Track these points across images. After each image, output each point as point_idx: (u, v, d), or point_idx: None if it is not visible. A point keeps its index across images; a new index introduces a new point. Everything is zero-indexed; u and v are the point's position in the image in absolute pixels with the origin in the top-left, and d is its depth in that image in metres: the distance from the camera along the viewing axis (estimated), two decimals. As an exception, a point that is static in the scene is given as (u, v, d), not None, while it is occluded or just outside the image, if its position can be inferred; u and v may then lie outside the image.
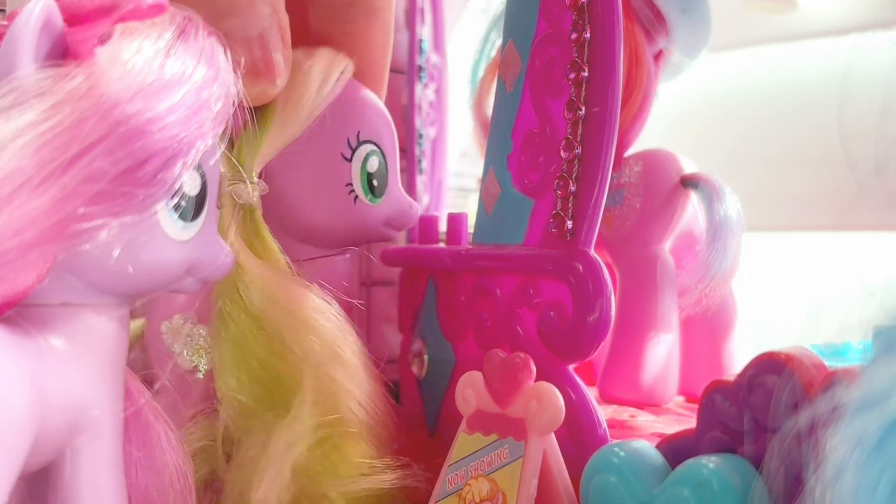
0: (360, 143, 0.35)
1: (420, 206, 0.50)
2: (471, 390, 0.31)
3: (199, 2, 0.27)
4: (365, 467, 0.30)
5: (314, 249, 0.36)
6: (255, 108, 0.32)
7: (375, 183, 0.36)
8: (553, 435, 0.28)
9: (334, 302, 0.32)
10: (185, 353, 0.33)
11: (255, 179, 0.32)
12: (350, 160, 0.35)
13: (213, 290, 0.31)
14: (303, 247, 0.36)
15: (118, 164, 0.21)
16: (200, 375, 0.32)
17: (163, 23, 0.23)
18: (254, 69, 0.30)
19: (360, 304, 0.34)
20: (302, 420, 0.29)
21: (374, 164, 0.36)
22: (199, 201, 0.25)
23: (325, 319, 0.31)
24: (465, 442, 0.30)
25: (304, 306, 0.31)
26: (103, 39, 0.22)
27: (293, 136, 0.33)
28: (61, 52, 0.22)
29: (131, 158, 0.21)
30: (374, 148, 0.36)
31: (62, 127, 0.20)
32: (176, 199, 0.23)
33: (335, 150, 0.35)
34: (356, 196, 0.36)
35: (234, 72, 0.28)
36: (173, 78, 0.22)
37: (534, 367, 0.30)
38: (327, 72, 0.34)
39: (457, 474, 0.30)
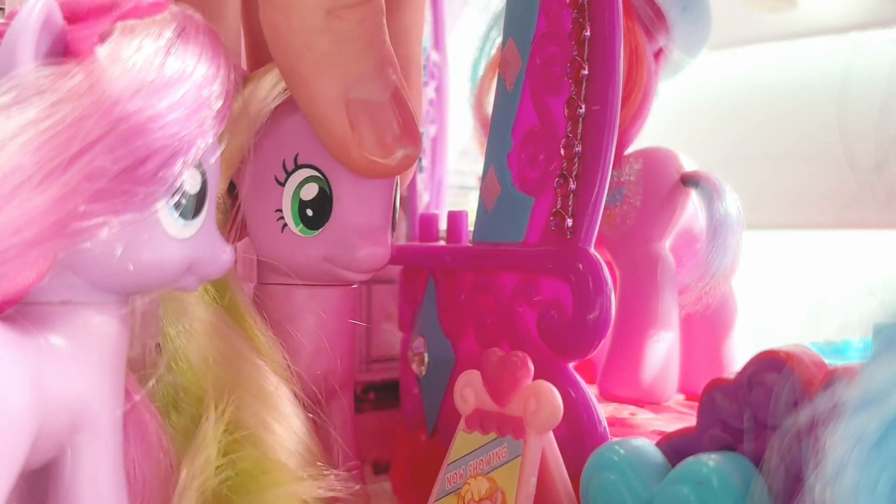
0: (297, 167, 0.31)
1: (420, 204, 0.50)
2: (469, 389, 0.31)
3: (334, 69, 0.27)
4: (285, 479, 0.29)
5: (314, 276, 0.33)
6: None
7: (310, 213, 0.31)
8: (552, 433, 0.28)
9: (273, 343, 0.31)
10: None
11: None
12: (283, 184, 0.31)
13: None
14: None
15: (119, 162, 0.21)
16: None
17: (163, 21, 0.23)
18: (394, 135, 0.28)
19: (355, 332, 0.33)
20: (207, 437, 0.28)
21: (310, 192, 0.31)
22: (200, 199, 0.25)
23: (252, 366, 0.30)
24: (463, 441, 0.30)
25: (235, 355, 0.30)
26: (103, 37, 0.22)
27: (242, 147, 0.30)
28: (61, 51, 0.22)
29: (132, 156, 0.21)
30: (316, 174, 0.31)
31: (63, 125, 0.20)
32: (177, 198, 0.23)
33: (271, 171, 0.32)
34: (284, 224, 0.32)
35: (369, 141, 0.28)
36: (174, 76, 0.22)
37: (531, 366, 0.30)
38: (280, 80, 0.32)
39: (455, 473, 0.30)
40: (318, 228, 0.31)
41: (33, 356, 0.21)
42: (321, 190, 0.31)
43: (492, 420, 0.29)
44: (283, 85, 0.31)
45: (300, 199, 0.31)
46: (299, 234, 0.31)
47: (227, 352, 0.29)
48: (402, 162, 0.29)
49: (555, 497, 0.29)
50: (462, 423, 0.31)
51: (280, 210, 0.31)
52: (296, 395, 0.31)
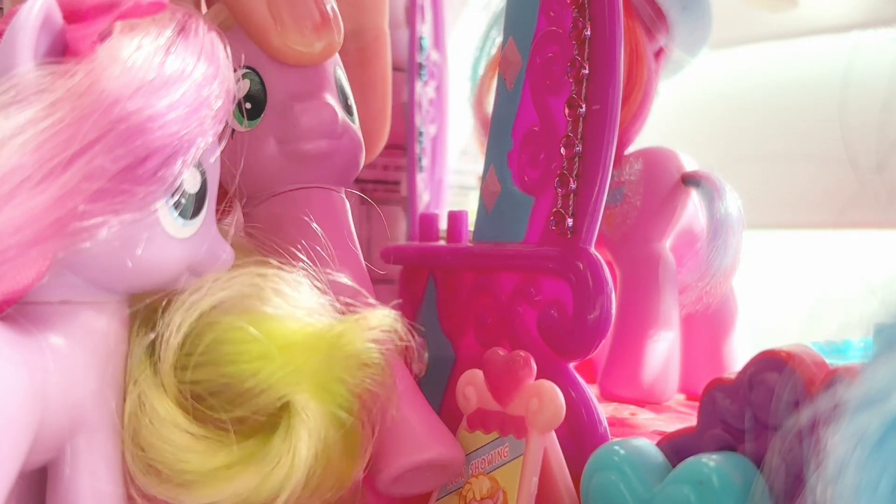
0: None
1: (420, 204, 0.50)
2: (471, 388, 0.31)
3: None
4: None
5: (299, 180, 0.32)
6: None
7: (248, 106, 0.31)
8: (554, 433, 0.28)
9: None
10: None
11: None
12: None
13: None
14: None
15: (118, 161, 0.21)
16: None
17: (163, 20, 0.23)
18: (314, 24, 0.29)
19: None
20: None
21: (243, 89, 0.31)
22: (199, 199, 0.25)
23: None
24: (465, 440, 0.30)
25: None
26: (103, 37, 0.22)
27: None
28: (61, 50, 0.22)
29: (132, 156, 0.21)
30: (245, 70, 0.31)
31: (62, 124, 0.20)
32: (176, 197, 0.23)
33: None
34: (232, 130, 0.30)
35: (290, 26, 0.28)
36: (174, 75, 0.22)
37: (534, 365, 0.30)
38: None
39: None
40: (258, 116, 0.31)
41: (33, 356, 0.21)
42: (252, 82, 0.31)
43: (494, 419, 0.29)
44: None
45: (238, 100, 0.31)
46: (246, 129, 0.31)
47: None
48: (324, 50, 0.30)
49: (557, 497, 0.29)
50: (464, 423, 0.31)
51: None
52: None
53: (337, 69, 0.33)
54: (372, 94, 0.38)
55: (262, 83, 0.31)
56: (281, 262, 0.28)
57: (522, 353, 0.30)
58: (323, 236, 0.31)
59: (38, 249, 0.20)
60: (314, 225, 0.31)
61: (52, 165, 0.20)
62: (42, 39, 0.21)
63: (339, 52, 0.34)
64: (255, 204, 0.32)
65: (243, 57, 0.31)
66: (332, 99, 0.32)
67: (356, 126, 0.33)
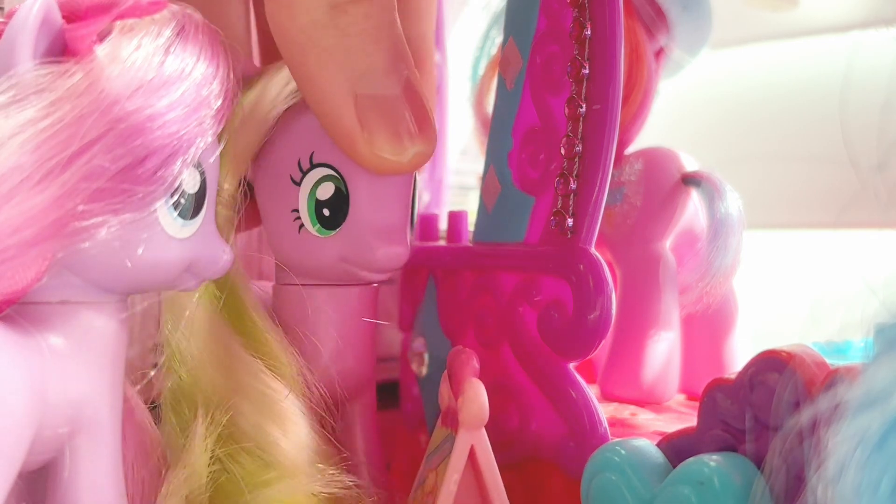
0: (312, 166, 0.30)
1: (420, 204, 0.50)
2: (445, 385, 0.31)
3: (340, 63, 0.26)
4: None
5: (334, 275, 0.32)
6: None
7: (327, 213, 0.31)
8: (484, 431, 0.28)
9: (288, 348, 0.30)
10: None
11: (227, 197, 0.29)
12: (299, 184, 0.31)
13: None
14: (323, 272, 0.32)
15: (118, 161, 0.21)
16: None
17: (162, 19, 0.23)
18: (406, 130, 0.27)
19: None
20: (193, 450, 0.27)
21: (326, 192, 0.30)
22: (199, 199, 0.25)
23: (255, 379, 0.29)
24: (437, 435, 0.31)
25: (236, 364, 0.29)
26: (102, 36, 0.22)
27: (252, 145, 0.30)
28: (60, 49, 0.22)
29: (131, 156, 0.21)
30: (332, 173, 0.30)
31: (61, 124, 0.20)
32: (175, 197, 0.23)
33: (285, 170, 0.31)
34: (301, 225, 0.31)
35: (379, 136, 0.27)
36: (173, 75, 0.22)
37: (476, 363, 0.30)
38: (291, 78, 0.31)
39: (427, 467, 0.31)
40: (335, 228, 0.31)
41: (32, 356, 0.21)
42: (337, 189, 0.30)
43: (451, 416, 0.30)
44: (294, 83, 0.31)
45: (316, 199, 0.30)
46: (316, 234, 0.31)
47: (223, 356, 0.28)
48: (414, 159, 0.28)
49: (485, 497, 0.29)
50: (439, 419, 0.31)
51: (297, 210, 0.31)
52: (308, 400, 0.30)
53: (414, 175, 0.33)
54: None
55: (347, 192, 0.30)
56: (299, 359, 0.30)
57: (465, 350, 0.30)
58: (354, 331, 0.33)
59: (38, 249, 0.20)
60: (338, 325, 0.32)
61: (52, 165, 0.20)
62: (41, 39, 0.21)
63: None
64: (285, 279, 0.32)
65: (315, 152, 0.30)
66: (405, 219, 0.32)
67: (412, 234, 0.33)
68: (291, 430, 0.29)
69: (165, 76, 0.22)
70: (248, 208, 0.31)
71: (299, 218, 0.31)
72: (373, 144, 0.27)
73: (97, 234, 0.21)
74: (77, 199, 0.20)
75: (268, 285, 0.34)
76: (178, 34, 0.23)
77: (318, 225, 0.31)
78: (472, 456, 0.28)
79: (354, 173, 0.30)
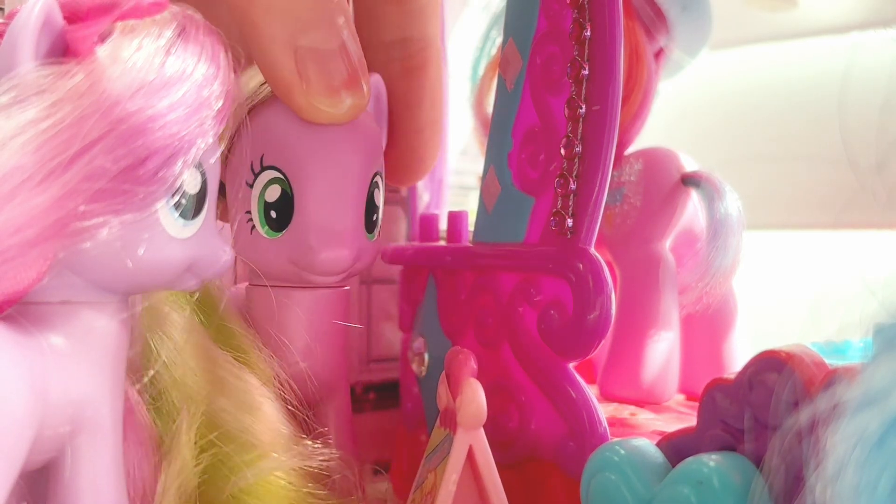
0: (262, 169, 0.31)
1: (420, 204, 0.50)
2: (443, 386, 0.31)
3: (284, 15, 0.27)
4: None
5: (309, 277, 0.32)
6: None
7: (273, 215, 0.31)
8: (482, 432, 0.28)
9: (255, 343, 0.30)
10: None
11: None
12: (251, 186, 0.31)
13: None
14: (301, 274, 0.32)
15: (119, 161, 0.21)
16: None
17: (163, 20, 0.23)
18: (341, 82, 0.28)
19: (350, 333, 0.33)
20: (181, 444, 0.27)
21: (273, 194, 0.31)
22: (200, 199, 0.25)
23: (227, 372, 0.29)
24: (436, 435, 0.31)
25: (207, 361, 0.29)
26: (104, 37, 0.22)
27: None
28: (61, 50, 0.22)
29: (132, 156, 0.21)
30: (278, 175, 0.31)
31: (63, 125, 0.20)
32: (177, 198, 0.23)
33: (243, 173, 0.32)
34: (253, 226, 0.32)
35: (316, 88, 0.28)
36: (174, 76, 0.22)
37: (473, 363, 0.30)
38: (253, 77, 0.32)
39: (426, 467, 0.31)
40: (281, 230, 0.31)
41: (33, 356, 0.21)
42: (283, 192, 0.31)
43: (449, 416, 0.30)
44: (255, 82, 0.32)
45: (265, 201, 0.31)
46: (265, 235, 0.32)
47: (200, 356, 0.29)
48: (349, 111, 0.29)
49: (484, 496, 0.29)
50: (438, 419, 0.31)
51: (249, 212, 0.32)
52: (283, 398, 0.30)
53: (377, 177, 0.33)
54: (417, 109, 0.36)
55: (291, 193, 0.31)
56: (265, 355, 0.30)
57: (463, 350, 0.30)
58: (324, 333, 0.33)
59: (39, 249, 0.20)
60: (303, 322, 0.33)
61: (53, 166, 0.20)
62: (43, 40, 0.21)
63: (382, 64, 0.34)
64: (257, 280, 0.33)
65: (265, 155, 0.31)
66: (353, 222, 0.32)
67: (374, 241, 0.34)
68: (266, 416, 0.29)
69: (166, 77, 0.22)
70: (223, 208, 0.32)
71: (252, 220, 0.32)
72: (310, 94, 0.28)
73: (98, 235, 0.21)
74: (78, 199, 0.20)
75: (241, 287, 0.35)
76: (178, 35, 0.23)
77: (266, 227, 0.31)
78: (470, 456, 0.28)
79: (300, 176, 0.31)
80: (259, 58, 0.28)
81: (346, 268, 0.32)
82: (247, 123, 0.30)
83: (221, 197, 0.32)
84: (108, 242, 0.21)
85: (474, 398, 0.28)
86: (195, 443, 0.27)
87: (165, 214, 0.23)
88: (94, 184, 0.20)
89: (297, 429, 0.31)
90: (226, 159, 0.31)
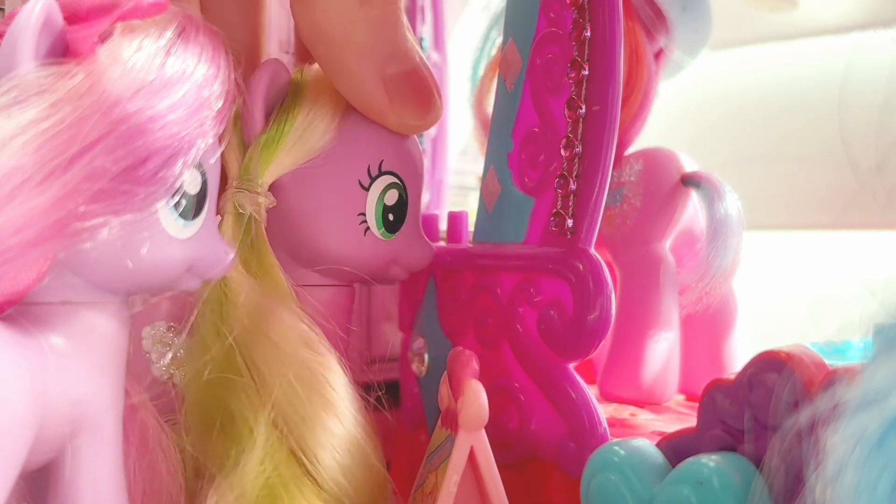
0: (381, 173, 0.33)
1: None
2: (444, 387, 0.31)
3: (373, 54, 0.30)
4: None
5: (314, 275, 0.33)
6: (274, 112, 0.31)
7: (391, 217, 0.33)
8: (483, 433, 0.28)
9: (323, 336, 0.30)
10: (160, 363, 0.31)
11: (264, 190, 0.31)
12: (367, 189, 0.32)
13: (197, 303, 0.29)
14: (302, 271, 0.33)
15: (119, 162, 0.21)
16: (172, 386, 0.31)
17: (163, 21, 0.23)
18: (424, 98, 0.32)
19: (352, 333, 0.34)
20: (246, 473, 0.27)
21: (392, 198, 0.33)
22: (200, 200, 0.25)
23: (312, 355, 0.29)
24: (437, 435, 0.31)
25: (290, 340, 0.29)
26: (104, 38, 0.22)
27: (312, 150, 0.32)
28: (62, 51, 0.22)
29: (132, 157, 0.21)
30: (396, 181, 0.33)
31: (63, 125, 0.20)
32: (177, 198, 0.23)
33: (353, 175, 0.32)
34: (367, 228, 0.33)
35: (405, 107, 0.31)
36: (174, 76, 0.22)
37: (475, 364, 0.30)
38: None
39: (427, 468, 0.31)
40: (395, 232, 0.33)
41: (34, 356, 0.21)
42: (400, 196, 0.33)
43: (451, 417, 0.30)
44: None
45: (384, 205, 0.33)
46: (381, 237, 0.33)
47: (274, 337, 0.29)
48: (431, 120, 0.32)
49: (484, 497, 0.29)
50: (440, 419, 0.31)
51: (363, 213, 0.32)
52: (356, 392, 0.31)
53: None
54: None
55: (406, 198, 0.34)
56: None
57: (465, 351, 0.31)
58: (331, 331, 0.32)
59: (39, 250, 0.20)
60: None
61: (53, 166, 0.20)
62: (43, 40, 0.21)
63: None
64: (314, 266, 0.33)
65: (384, 161, 0.33)
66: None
67: None
68: (344, 422, 0.29)
69: (166, 77, 0.22)
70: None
71: (365, 221, 0.33)
72: (402, 116, 0.31)
73: (99, 235, 0.21)
74: (79, 199, 0.20)
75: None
76: (178, 35, 0.23)
77: (383, 228, 0.33)
78: (471, 457, 0.28)
79: (412, 183, 0.34)
80: (353, 95, 0.31)
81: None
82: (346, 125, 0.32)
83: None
84: (108, 243, 0.21)
85: (476, 399, 0.28)
86: (264, 476, 0.27)
87: (166, 215, 0.23)
88: (95, 184, 0.20)
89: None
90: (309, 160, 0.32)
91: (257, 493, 0.27)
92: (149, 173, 0.21)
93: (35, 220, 0.19)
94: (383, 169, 0.33)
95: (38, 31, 0.21)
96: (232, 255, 0.26)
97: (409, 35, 0.32)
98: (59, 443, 0.23)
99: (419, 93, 0.31)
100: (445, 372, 0.31)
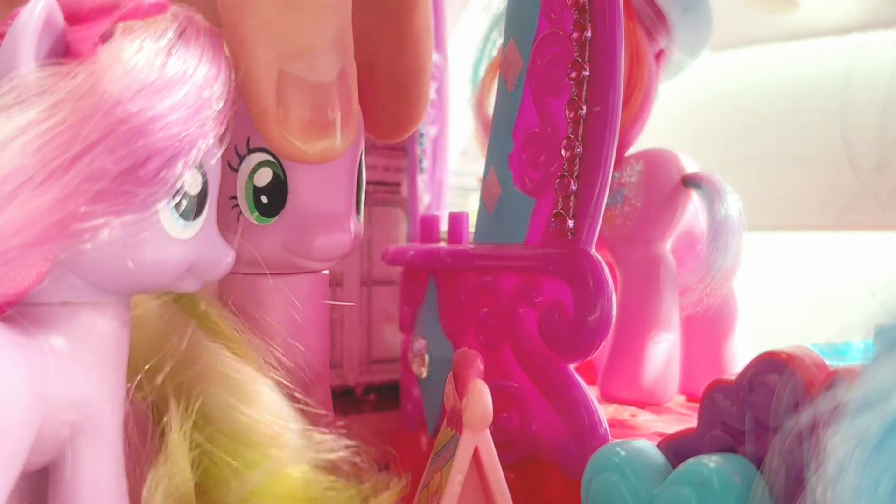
0: (249, 151, 0.29)
1: (421, 206, 0.50)
2: (450, 386, 0.31)
3: (274, 38, 0.25)
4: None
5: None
6: None
7: (265, 200, 0.29)
8: (488, 433, 0.28)
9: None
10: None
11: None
12: (236, 170, 0.29)
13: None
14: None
15: (120, 162, 0.21)
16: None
17: (164, 21, 0.23)
18: (321, 121, 0.26)
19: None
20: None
21: (263, 178, 0.29)
22: (200, 200, 0.25)
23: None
24: (443, 436, 0.31)
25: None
26: (105, 38, 0.22)
27: None
28: (62, 51, 0.22)
29: (133, 157, 0.21)
30: (269, 158, 0.29)
31: (64, 125, 0.20)
32: (178, 199, 0.23)
33: (224, 156, 0.29)
34: (239, 212, 0.30)
35: (290, 121, 0.25)
36: (175, 76, 0.22)
37: (480, 364, 0.30)
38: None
39: (432, 468, 0.31)
40: (273, 216, 0.30)
41: (34, 357, 0.21)
42: (275, 175, 0.29)
43: (456, 417, 0.30)
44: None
45: (254, 186, 0.29)
46: (255, 222, 0.30)
47: (190, 347, 0.27)
48: (320, 153, 0.26)
49: (489, 497, 0.29)
50: (445, 420, 0.31)
51: (234, 197, 0.30)
52: (283, 385, 0.29)
53: (362, 154, 0.32)
54: (404, 52, 0.33)
55: (285, 178, 0.30)
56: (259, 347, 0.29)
57: (470, 351, 0.30)
58: (305, 321, 0.31)
59: (40, 251, 0.20)
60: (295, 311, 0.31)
61: (54, 167, 0.20)
62: (43, 41, 0.21)
63: (367, 6, 0.30)
64: (235, 270, 0.30)
65: (252, 137, 0.29)
66: (348, 204, 0.31)
67: (360, 223, 0.32)
68: (265, 406, 0.28)
69: (167, 78, 0.22)
70: None
71: (237, 205, 0.30)
72: (284, 125, 0.25)
73: (99, 236, 0.21)
74: (79, 200, 0.20)
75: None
76: (179, 36, 0.23)
77: (257, 212, 0.30)
78: (476, 457, 0.28)
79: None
80: (241, 76, 0.26)
81: (347, 252, 0.31)
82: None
83: None
84: (109, 243, 0.21)
85: (480, 399, 0.28)
86: (190, 441, 0.26)
87: (166, 215, 0.23)
88: (95, 185, 0.20)
89: (299, 409, 0.29)
90: None
91: (188, 454, 0.26)
92: (149, 174, 0.21)
93: (35, 221, 0.19)
94: (251, 146, 0.29)
95: (38, 31, 0.21)
96: (232, 256, 0.26)
97: (345, 39, 0.26)
98: (58, 444, 0.23)
99: (316, 111, 0.26)
100: (451, 372, 0.31)
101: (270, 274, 0.31)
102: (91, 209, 0.20)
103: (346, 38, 0.26)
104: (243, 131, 0.29)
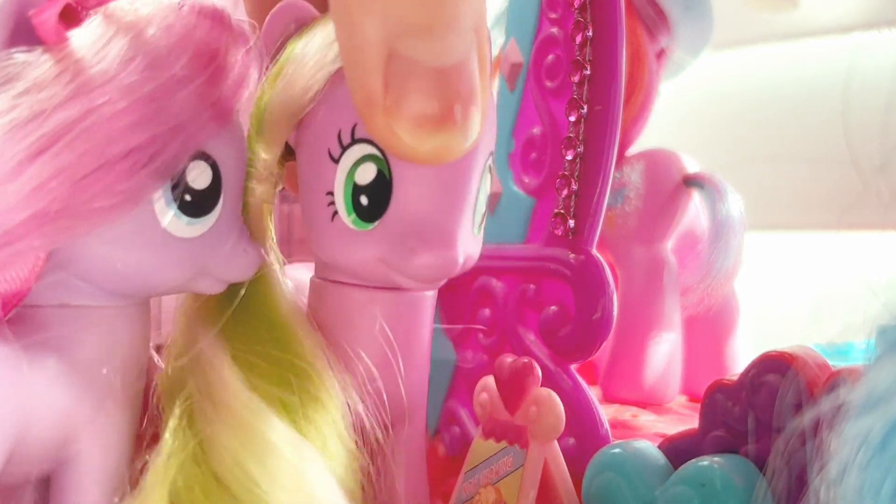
0: (353, 142, 0.24)
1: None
2: (486, 395, 0.29)
3: (386, 12, 0.20)
4: None
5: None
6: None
7: (364, 201, 0.25)
8: (556, 444, 0.27)
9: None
10: None
11: (267, 168, 0.25)
12: (337, 161, 0.25)
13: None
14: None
15: (92, 156, 0.20)
16: None
17: (145, 7, 0.22)
18: (436, 113, 0.20)
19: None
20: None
21: (366, 175, 0.24)
22: (211, 196, 0.23)
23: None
24: (479, 448, 0.29)
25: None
26: (80, 22, 0.21)
27: (292, 113, 0.25)
28: (33, 38, 0.21)
29: (107, 151, 0.20)
30: (375, 152, 0.24)
31: (34, 115, 0.19)
32: (178, 194, 0.22)
33: (325, 144, 0.25)
34: (335, 211, 0.25)
35: (400, 110, 0.20)
36: (152, 65, 0.21)
37: (539, 373, 0.29)
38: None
39: (471, 482, 0.29)
40: (372, 221, 0.25)
41: (17, 364, 0.20)
42: (380, 173, 0.24)
43: (503, 428, 0.29)
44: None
45: (354, 183, 0.25)
46: (351, 225, 0.25)
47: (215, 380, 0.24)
48: (433, 152, 0.21)
49: None
50: (479, 430, 0.30)
51: (331, 193, 0.25)
52: (352, 426, 0.25)
53: (490, 160, 0.27)
54: None
55: (390, 177, 0.24)
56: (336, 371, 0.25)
57: (527, 360, 0.29)
58: (401, 345, 0.26)
59: (20, 246, 0.19)
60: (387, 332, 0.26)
61: (22, 157, 0.19)
62: (13, 26, 0.20)
63: None
64: (327, 274, 0.27)
65: (358, 125, 0.24)
66: (463, 216, 0.26)
67: (479, 238, 0.28)
68: (280, 468, 0.23)
69: (143, 67, 0.21)
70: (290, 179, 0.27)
71: (333, 203, 0.25)
72: (392, 116, 0.20)
73: (84, 231, 0.20)
74: (49, 195, 0.19)
75: (299, 273, 0.29)
76: (160, 23, 0.22)
77: (354, 215, 0.25)
78: (544, 469, 0.27)
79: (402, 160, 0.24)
80: (344, 54, 0.21)
81: (451, 274, 0.26)
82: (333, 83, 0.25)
83: (292, 159, 0.27)
84: (101, 242, 0.21)
85: (553, 409, 0.26)
86: (174, 483, 0.22)
87: (164, 212, 0.22)
88: (68, 178, 0.19)
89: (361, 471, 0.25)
90: (299, 124, 0.26)
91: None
92: (126, 168, 0.20)
93: (10, 214, 0.19)
94: (356, 136, 0.24)
95: (8, 17, 0.20)
96: (255, 253, 0.24)
97: (475, 15, 0.20)
98: (52, 451, 0.22)
99: (434, 102, 0.20)
100: (484, 380, 0.30)
101: (370, 287, 0.26)
102: (68, 203, 0.19)
103: (479, 12, 0.21)
104: (349, 115, 0.24)
